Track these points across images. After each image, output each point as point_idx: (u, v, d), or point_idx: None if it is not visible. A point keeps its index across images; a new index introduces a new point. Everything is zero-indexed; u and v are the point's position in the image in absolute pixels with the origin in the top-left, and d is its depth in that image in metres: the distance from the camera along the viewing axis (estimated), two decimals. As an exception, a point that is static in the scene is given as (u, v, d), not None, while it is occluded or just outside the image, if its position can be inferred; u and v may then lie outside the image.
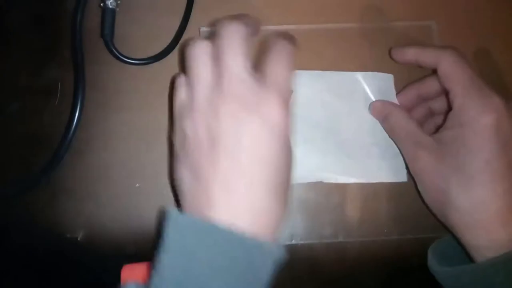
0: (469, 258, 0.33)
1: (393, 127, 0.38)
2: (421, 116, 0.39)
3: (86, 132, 0.39)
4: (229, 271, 0.26)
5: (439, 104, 0.38)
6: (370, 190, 0.39)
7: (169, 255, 0.26)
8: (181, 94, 0.31)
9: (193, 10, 0.41)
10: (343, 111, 0.40)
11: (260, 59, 0.30)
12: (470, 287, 0.32)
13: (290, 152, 0.30)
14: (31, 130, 0.39)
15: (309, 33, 0.41)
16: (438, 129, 0.36)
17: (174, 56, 0.40)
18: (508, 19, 0.42)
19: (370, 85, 0.40)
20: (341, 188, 0.39)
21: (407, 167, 0.38)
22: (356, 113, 0.40)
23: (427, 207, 0.36)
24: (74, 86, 0.39)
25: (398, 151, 0.39)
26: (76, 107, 0.38)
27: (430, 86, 0.38)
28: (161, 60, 0.40)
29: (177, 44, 0.40)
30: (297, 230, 0.38)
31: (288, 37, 0.32)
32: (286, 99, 0.29)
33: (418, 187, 0.36)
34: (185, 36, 0.40)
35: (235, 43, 0.29)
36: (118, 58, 0.39)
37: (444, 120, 0.35)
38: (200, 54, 0.30)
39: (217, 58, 0.29)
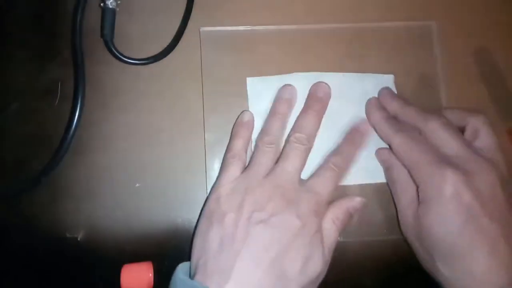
0: None
1: (394, 181, 0.38)
2: None
3: (86, 132, 0.39)
4: None
5: None
6: (370, 190, 0.39)
7: None
8: (235, 171, 0.36)
9: (193, 10, 0.41)
10: (343, 113, 0.40)
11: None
12: None
13: (320, 255, 0.33)
14: (31, 130, 0.39)
15: (309, 34, 0.41)
16: None
17: (174, 56, 0.40)
18: (508, 19, 0.42)
19: (370, 87, 0.40)
20: (341, 188, 0.39)
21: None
22: (357, 115, 0.40)
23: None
24: (74, 86, 0.39)
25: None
26: (76, 107, 0.38)
27: None
28: (161, 60, 0.40)
29: (177, 44, 0.40)
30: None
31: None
32: (318, 203, 0.35)
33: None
34: (185, 36, 0.40)
35: (298, 157, 0.36)
36: (118, 58, 0.39)
37: None
38: (267, 150, 0.36)
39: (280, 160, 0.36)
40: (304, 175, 0.37)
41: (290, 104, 0.39)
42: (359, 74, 0.40)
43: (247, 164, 0.37)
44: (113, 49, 0.39)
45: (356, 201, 0.37)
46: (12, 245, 0.38)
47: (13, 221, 0.38)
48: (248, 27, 0.41)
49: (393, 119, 0.38)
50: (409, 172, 0.36)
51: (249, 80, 0.40)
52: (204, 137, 0.39)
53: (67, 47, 0.40)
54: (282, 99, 0.39)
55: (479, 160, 0.34)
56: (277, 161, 0.36)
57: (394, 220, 0.38)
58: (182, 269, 0.33)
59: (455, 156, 0.34)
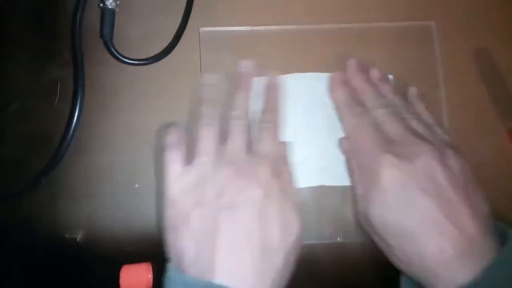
0: None
1: (350, 171, 0.38)
2: None
3: (86, 132, 0.39)
4: None
5: None
6: (369, 190, 0.39)
7: None
8: (176, 164, 0.34)
9: (192, 10, 0.41)
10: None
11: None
12: None
13: (293, 213, 0.33)
14: (31, 130, 0.39)
15: (309, 34, 0.41)
16: None
17: (174, 56, 0.40)
18: (508, 19, 0.42)
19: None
20: (341, 189, 0.39)
21: None
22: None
23: None
24: (73, 86, 0.39)
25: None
26: (76, 107, 0.38)
27: None
28: (161, 60, 0.40)
29: (177, 44, 0.40)
30: (296, 230, 0.38)
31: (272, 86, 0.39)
32: (274, 164, 0.34)
33: None
34: (185, 36, 0.40)
35: (239, 132, 0.35)
36: (117, 58, 0.39)
37: None
38: (208, 134, 0.35)
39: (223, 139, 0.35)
40: (305, 179, 0.37)
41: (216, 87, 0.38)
42: (359, 74, 0.40)
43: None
44: (112, 49, 0.39)
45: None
46: (12, 245, 0.38)
47: (13, 221, 0.38)
48: (248, 27, 0.41)
49: (351, 101, 0.38)
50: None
51: (249, 80, 0.40)
52: (204, 137, 0.39)
53: (67, 47, 0.40)
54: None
55: (417, 144, 0.34)
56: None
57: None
58: (172, 268, 0.32)
59: (397, 141, 0.34)
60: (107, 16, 0.39)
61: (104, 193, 0.38)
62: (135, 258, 0.36)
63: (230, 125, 0.36)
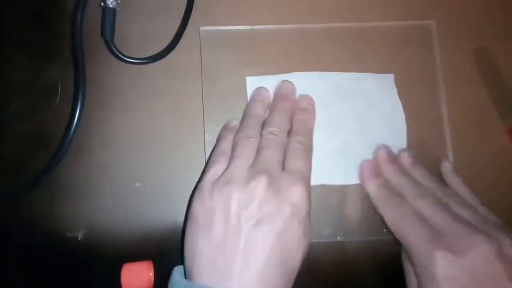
0: None
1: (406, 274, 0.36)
2: None
3: (86, 132, 0.39)
4: None
5: None
6: (370, 190, 0.39)
7: None
8: (218, 170, 0.34)
9: (193, 10, 0.41)
10: (343, 113, 0.40)
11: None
12: None
13: (307, 233, 0.33)
14: (31, 130, 0.39)
15: (308, 33, 0.41)
16: None
17: (174, 56, 0.40)
18: (508, 19, 0.42)
19: (370, 86, 0.40)
20: (341, 188, 0.39)
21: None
22: (356, 114, 0.40)
23: None
24: (74, 85, 0.39)
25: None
26: (77, 107, 0.38)
27: None
28: (161, 60, 0.40)
29: (177, 44, 0.40)
30: (297, 230, 0.38)
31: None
32: (305, 184, 0.34)
33: None
34: (185, 36, 0.40)
35: (275, 147, 0.35)
36: (118, 57, 0.39)
37: None
38: (248, 144, 0.35)
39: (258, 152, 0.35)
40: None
41: (264, 103, 0.39)
42: (359, 74, 0.40)
43: None
44: (113, 48, 0.39)
45: None
46: (12, 245, 0.38)
47: (13, 221, 0.38)
48: (248, 27, 0.41)
49: (388, 192, 0.37)
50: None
51: (249, 79, 0.40)
52: (204, 137, 0.39)
53: (67, 47, 0.40)
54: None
55: (469, 234, 0.32)
56: None
57: (394, 219, 0.38)
58: (178, 271, 0.32)
59: (447, 232, 0.33)
60: (108, 16, 0.39)
61: (105, 192, 0.38)
62: (136, 256, 0.36)
63: (266, 139, 0.36)
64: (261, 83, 0.40)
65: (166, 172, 0.39)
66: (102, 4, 0.39)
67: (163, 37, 0.40)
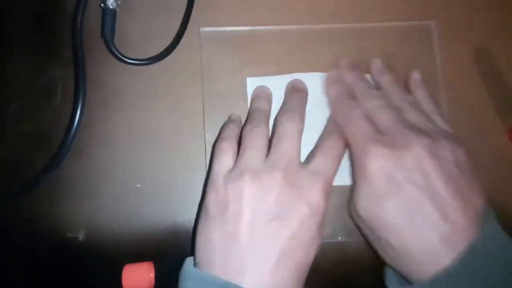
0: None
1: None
2: None
3: (87, 132, 0.39)
4: None
5: None
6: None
7: None
8: (228, 159, 0.34)
9: (193, 11, 0.41)
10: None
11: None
12: None
13: (321, 232, 0.33)
14: (31, 130, 0.39)
15: (308, 34, 0.41)
16: None
17: (174, 56, 0.40)
18: (508, 19, 0.42)
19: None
20: (341, 188, 0.39)
21: None
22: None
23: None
24: (74, 86, 0.39)
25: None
26: (77, 107, 0.38)
27: None
28: (162, 60, 0.40)
29: (177, 44, 0.40)
30: (297, 230, 0.38)
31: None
32: (327, 185, 0.33)
33: None
34: (185, 36, 0.40)
35: (293, 138, 0.34)
36: (118, 58, 0.39)
37: None
38: (258, 132, 0.35)
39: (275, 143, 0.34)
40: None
41: (267, 99, 0.39)
42: (359, 74, 0.40)
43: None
44: (113, 49, 0.39)
45: None
46: (12, 245, 0.38)
47: (13, 221, 0.38)
48: (248, 27, 0.41)
49: (342, 96, 0.38)
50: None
51: (249, 80, 0.40)
52: (204, 137, 0.39)
53: (67, 47, 0.40)
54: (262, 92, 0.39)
55: (407, 133, 0.33)
56: (270, 145, 0.35)
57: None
58: (189, 262, 0.32)
59: (388, 132, 0.33)
60: (108, 16, 0.39)
61: (105, 193, 0.38)
62: (137, 257, 0.36)
63: (283, 127, 0.35)
64: (262, 84, 0.40)
65: (166, 172, 0.39)
66: (102, 4, 0.39)
67: (163, 37, 0.40)
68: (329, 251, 0.39)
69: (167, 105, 0.40)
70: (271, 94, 0.39)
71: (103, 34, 0.39)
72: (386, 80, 0.38)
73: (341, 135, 0.36)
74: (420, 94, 0.38)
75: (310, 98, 0.40)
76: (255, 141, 0.34)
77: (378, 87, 0.39)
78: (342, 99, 0.38)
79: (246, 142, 0.34)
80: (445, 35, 0.41)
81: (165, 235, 0.38)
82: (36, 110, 0.39)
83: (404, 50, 0.41)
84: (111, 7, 0.39)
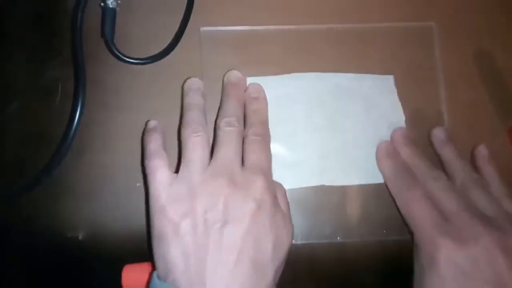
0: None
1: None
2: None
3: (87, 131, 0.39)
4: None
5: None
6: (370, 190, 0.39)
7: None
8: (164, 175, 0.33)
9: (193, 10, 0.41)
10: (343, 113, 0.40)
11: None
12: None
13: (284, 227, 0.33)
14: (31, 130, 0.39)
15: (308, 34, 0.41)
16: None
17: (174, 56, 0.40)
18: (508, 20, 0.42)
19: (370, 87, 0.40)
20: (341, 188, 0.39)
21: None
22: (356, 115, 0.40)
23: None
24: (74, 85, 0.39)
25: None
26: (77, 107, 0.38)
27: None
28: (161, 60, 0.40)
29: (177, 44, 0.40)
30: (297, 230, 0.38)
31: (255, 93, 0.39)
32: (266, 176, 0.33)
33: None
34: (185, 36, 0.40)
35: (233, 142, 0.35)
36: (118, 58, 0.39)
37: None
38: (198, 141, 0.34)
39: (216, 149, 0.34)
40: (305, 179, 0.37)
41: (200, 90, 0.38)
42: (359, 75, 0.40)
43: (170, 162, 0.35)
44: (113, 48, 0.39)
45: None
46: (12, 245, 0.38)
47: (13, 221, 0.38)
48: (248, 27, 0.41)
49: (401, 173, 0.37)
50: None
51: (249, 80, 0.40)
52: (205, 137, 0.39)
53: (67, 47, 0.40)
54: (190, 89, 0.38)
55: (473, 225, 0.32)
56: (212, 150, 0.35)
57: (394, 220, 0.38)
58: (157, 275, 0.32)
59: (454, 220, 0.33)
60: (108, 16, 0.39)
61: (106, 193, 0.38)
62: (137, 257, 0.36)
63: (223, 132, 0.35)
64: (262, 84, 0.40)
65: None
66: (102, 4, 0.39)
67: (163, 37, 0.40)
68: (329, 252, 0.39)
69: (167, 105, 0.40)
70: (202, 83, 0.39)
71: (103, 34, 0.39)
72: (449, 153, 0.38)
73: (405, 217, 0.35)
74: (488, 172, 0.37)
75: (310, 98, 0.40)
76: (196, 152, 0.34)
77: (439, 159, 0.38)
78: (401, 175, 0.37)
79: (186, 154, 0.34)
80: (445, 36, 0.41)
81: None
82: (36, 110, 0.39)
83: (405, 51, 0.41)
84: (111, 6, 0.39)
